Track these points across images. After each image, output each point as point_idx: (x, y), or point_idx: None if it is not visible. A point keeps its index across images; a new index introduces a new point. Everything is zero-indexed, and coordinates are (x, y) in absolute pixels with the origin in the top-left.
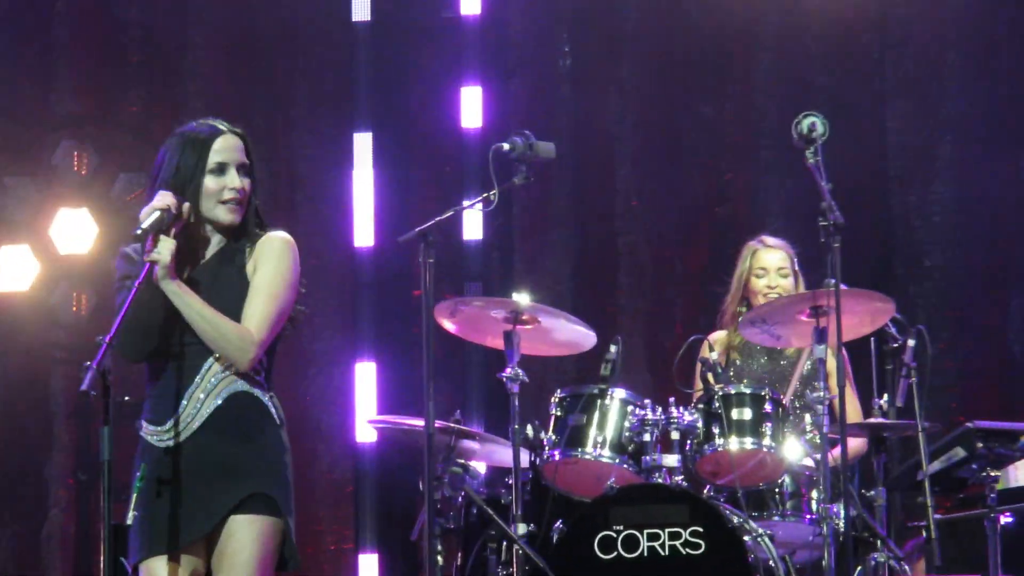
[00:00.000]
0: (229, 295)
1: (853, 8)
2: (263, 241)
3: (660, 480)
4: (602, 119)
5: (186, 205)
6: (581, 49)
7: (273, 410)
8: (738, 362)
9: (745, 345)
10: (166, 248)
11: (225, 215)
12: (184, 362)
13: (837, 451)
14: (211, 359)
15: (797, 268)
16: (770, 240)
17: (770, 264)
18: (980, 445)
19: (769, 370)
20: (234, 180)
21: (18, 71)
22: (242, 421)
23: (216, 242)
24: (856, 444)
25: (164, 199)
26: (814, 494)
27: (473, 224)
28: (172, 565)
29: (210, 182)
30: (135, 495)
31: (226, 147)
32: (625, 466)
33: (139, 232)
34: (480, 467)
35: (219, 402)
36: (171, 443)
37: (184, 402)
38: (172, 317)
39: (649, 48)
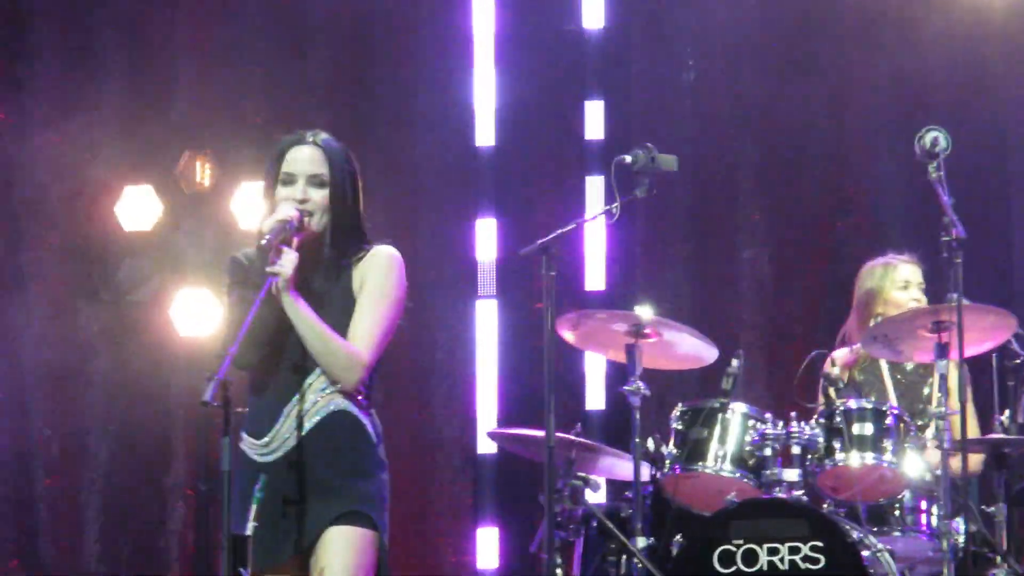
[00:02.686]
0: (334, 313)
1: (974, 20)
2: (369, 256)
3: (780, 494)
4: (724, 132)
5: (308, 218)
6: (703, 62)
7: (371, 428)
8: (860, 380)
9: (868, 364)
10: (289, 261)
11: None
12: (286, 377)
13: (953, 466)
14: (312, 376)
15: None
16: (904, 256)
17: (912, 278)
18: None
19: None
20: (296, 192)
21: (139, 80)
22: (337, 440)
23: (322, 258)
24: (973, 461)
25: (287, 210)
26: (934, 509)
27: (596, 237)
28: None
29: (280, 192)
30: (255, 506)
31: (297, 158)
32: (745, 480)
33: (263, 244)
34: (600, 480)
35: (316, 421)
36: (268, 459)
37: (282, 418)
38: (280, 331)
39: (771, 62)
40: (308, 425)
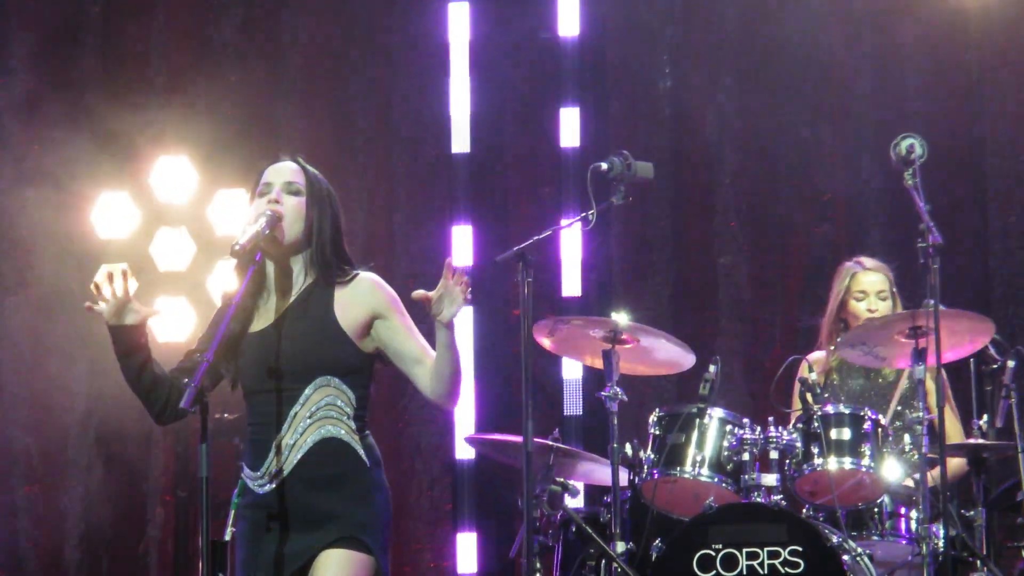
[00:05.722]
0: (312, 335)
1: (950, 29)
2: (358, 284)
3: (759, 499)
4: (701, 140)
5: (279, 221)
6: (680, 70)
7: (363, 452)
8: (836, 382)
9: (843, 365)
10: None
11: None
12: (274, 408)
13: (936, 471)
14: (298, 406)
15: (895, 290)
16: (869, 262)
17: (870, 287)
18: None
19: (867, 390)
20: (271, 196)
21: (117, 87)
22: (329, 467)
23: (301, 278)
24: (956, 465)
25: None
26: (913, 514)
27: (572, 244)
28: None
29: (256, 203)
30: (233, 511)
31: (274, 170)
32: (724, 485)
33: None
34: (579, 485)
35: (305, 451)
36: (264, 490)
37: (272, 450)
38: (263, 359)
39: (747, 69)
40: (297, 456)
